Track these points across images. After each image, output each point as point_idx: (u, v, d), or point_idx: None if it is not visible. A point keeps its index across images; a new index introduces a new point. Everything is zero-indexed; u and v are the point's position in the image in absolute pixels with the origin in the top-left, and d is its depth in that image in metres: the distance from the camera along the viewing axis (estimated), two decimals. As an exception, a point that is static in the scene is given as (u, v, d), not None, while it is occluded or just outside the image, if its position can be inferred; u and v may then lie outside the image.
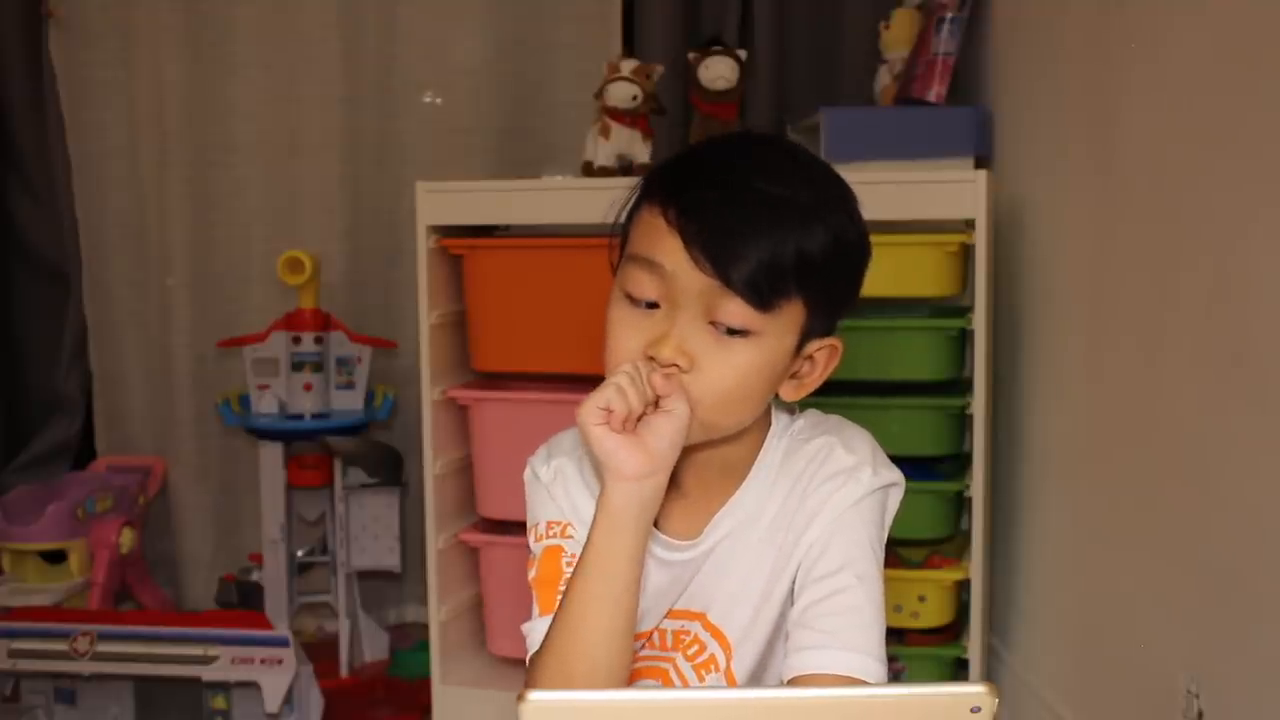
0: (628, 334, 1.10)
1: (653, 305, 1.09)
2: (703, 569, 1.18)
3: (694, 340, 1.08)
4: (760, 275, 1.06)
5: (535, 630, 1.14)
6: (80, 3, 3.00)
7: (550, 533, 1.18)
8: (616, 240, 1.18)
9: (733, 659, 1.18)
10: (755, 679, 1.19)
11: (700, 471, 1.18)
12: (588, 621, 1.07)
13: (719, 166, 1.12)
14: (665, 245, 1.08)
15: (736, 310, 1.07)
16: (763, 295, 1.07)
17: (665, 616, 1.20)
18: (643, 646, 1.22)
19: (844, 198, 1.15)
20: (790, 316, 1.09)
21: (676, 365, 1.07)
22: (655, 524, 1.18)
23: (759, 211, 1.07)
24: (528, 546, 1.21)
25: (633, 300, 1.10)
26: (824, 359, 1.16)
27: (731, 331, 1.08)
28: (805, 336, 1.12)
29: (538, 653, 1.10)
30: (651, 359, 1.08)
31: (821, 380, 1.17)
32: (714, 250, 1.06)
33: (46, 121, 3.02)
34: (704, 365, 1.08)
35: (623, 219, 1.17)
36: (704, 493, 1.18)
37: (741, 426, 1.15)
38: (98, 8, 3.00)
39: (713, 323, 1.08)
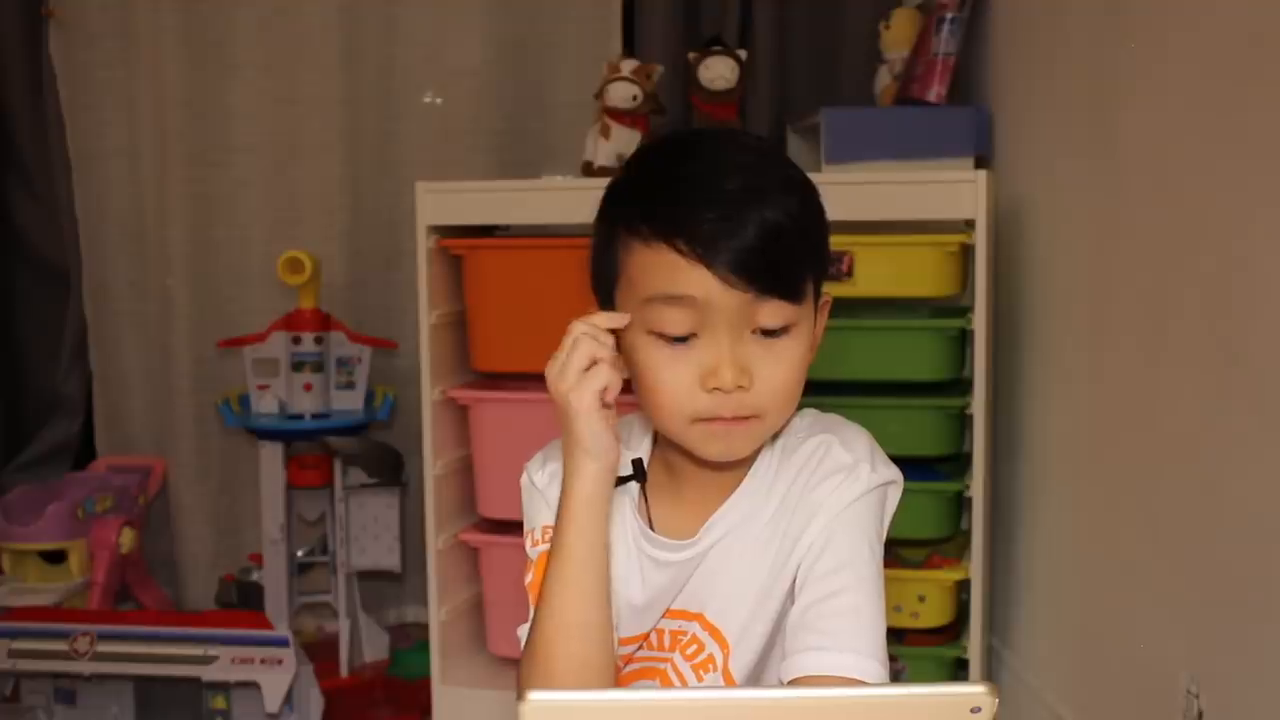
0: (674, 371, 1.09)
1: (683, 338, 1.09)
2: (700, 569, 1.18)
3: (746, 356, 1.08)
4: (787, 273, 1.08)
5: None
6: (80, 3, 3.00)
7: (546, 538, 1.18)
8: (591, 258, 1.17)
9: (731, 658, 1.18)
10: (754, 678, 1.18)
11: (697, 471, 1.18)
12: (567, 612, 1.08)
13: (695, 179, 1.10)
14: (689, 278, 1.06)
15: (776, 311, 1.08)
16: (793, 289, 1.08)
17: (663, 616, 1.20)
18: (640, 647, 1.22)
19: (790, 160, 1.18)
20: (810, 295, 1.12)
21: (741, 387, 1.08)
22: (650, 525, 1.19)
23: (758, 211, 1.07)
24: (524, 551, 1.21)
25: (663, 338, 1.09)
26: (821, 317, 1.18)
27: (770, 332, 1.09)
28: (814, 305, 1.15)
29: (524, 648, 1.11)
30: (716, 389, 1.07)
31: (821, 338, 1.18)
32: (744, 268, 1.06)
33: (46, 121, 3.02)
34: (762, 376, 1.09)
35: (595, 230, 1.16)
36: (700, 493, 1.18)
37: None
38: (98, 8, 3.00)
39: (753, 331, 1.08)
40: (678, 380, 1.09)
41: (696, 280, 1.06)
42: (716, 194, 1.08)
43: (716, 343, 1.08)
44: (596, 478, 1.09)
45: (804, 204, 1.11)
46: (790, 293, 1.08)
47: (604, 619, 1.09)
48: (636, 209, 1.10)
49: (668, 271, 1.07)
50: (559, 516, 1.10)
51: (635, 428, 1.24)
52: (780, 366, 1.09)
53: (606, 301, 1.16)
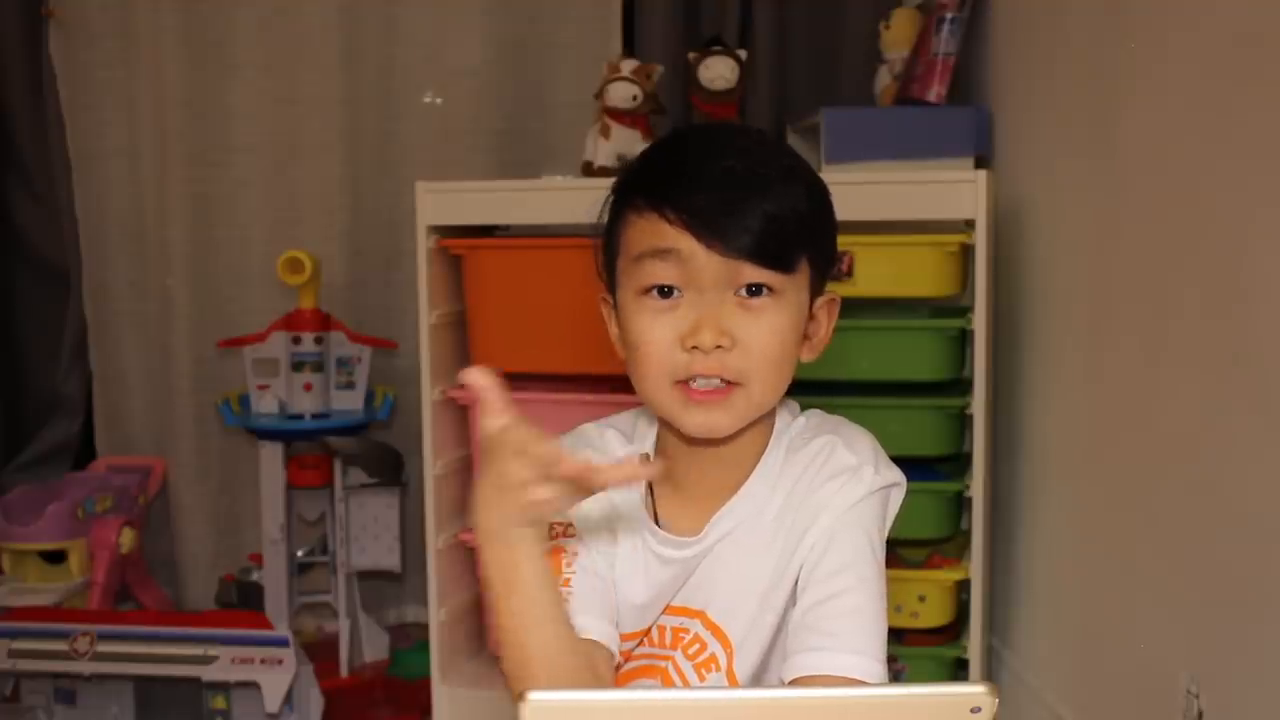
0: (658, 329, 1.11)
1: (666, 293, 1.10)
2: (702, 565, 1.18)
3: (728, 318, 1.09)
4: (772, 240, 1.09)
5: None
6: (80, 3, 3.00)
7: (552, 533, 1.18)
8: (599, 248, 1.20)
9: (734, 658, 1.18)
10: (757, 679, 1.18)
11: (703, 468, 1.18)
12: (532, 641, 1.04)
13: (694, 159, 1.14)
14: (675, 237, 1.09)
15: (759, 274, 1.10)
16: (779, 258, 1.10)
17: (663, 612, 1.20)
18: (640, 644, 1.22)
19: (802, 159, 1.20)
20: (802, 274, 1.13)
21: (720, 347, 1.09)
22: (656, 521, 1.19)
23: (752, 186, 1.10)
24: None
25: (649, 292, 1.11)
26: (826, 315, 1.19)
27: (754, 294, 1.10)
28: (812, 295, 1.15)
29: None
30: (695, 348, 1.09)
31: (828, 337, 1.19)
32: (726, 234, 1.08)
33: (46, 121, 3.02)
34: (743, 339, 1.10)
35: (603, 221, 1.19)
36: (704, 490, 1.19)
37: (778, 399, 1.16)
38: (98, 8, 3.00)
39: (737, 293, 1.10)
40: (660, 338, 1.10)
41: (681, 239, 1.09)
42: (714, 175, 1.11)
43: (699, 303, 1.10)
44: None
45: (808, 192, 1.14)
46: (775, 262, 1.10)
47: (568, 640, 1.06)
48: (636, 186, 1.14)
49: (656, 233, 1.11)
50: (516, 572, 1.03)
51: (640, 423, 1.24)
52: (762, 331, 1.10)
53: (610, 286, 1.18)
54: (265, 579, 2.79)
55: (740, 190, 1.09)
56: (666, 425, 1.18)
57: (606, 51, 2.82)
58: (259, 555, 2.82)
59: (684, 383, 1.11)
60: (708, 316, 1.09)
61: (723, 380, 1.11)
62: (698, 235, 1.08)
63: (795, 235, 1.11)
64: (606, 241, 1.18)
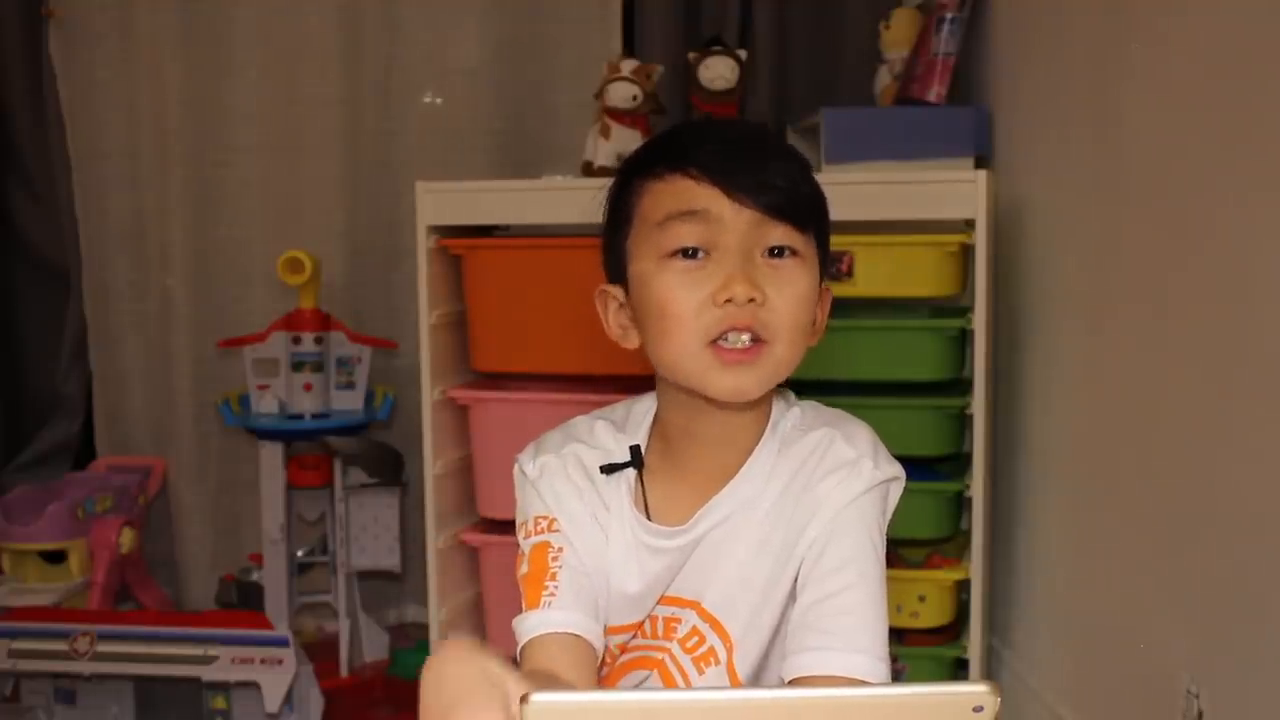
0: (687, 289, 1.11)
1: (692, 255, 1.11)
2: (694, 555, 1.18)
3: (758, 274, 1.10)
4: (795, 198, 1.12)
5: (524, 624, 1.14)
6: (80, 3, 3.00)
7: (538, 528, 1.18)
8: (604, 226, 1.20)
9: (735, 654, 1.18)
10: (758, 677, 1.18)
11: (697, 453, 1.18)
12: None
13: (710, 130, 1.19)
14: (702, 196, 1.11)
15: (784, 233, 1.12)
16: (801, 215, 1.12)
17: (658, 603, 1.20)
18: (634, 636, 1.21)
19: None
20: (814, 247, 1.15)
21: (753, 300, 1.09)
22: (647, 513, 1.19)
23: (770, 152, 1.14)
24: (518, 544, 1.21)
25: (674, 255, 1.11)
26: (821, 306, 1.19)
27: (779, 255, 1.12)
28: (819, 259, 1.17)
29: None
30: (728, 302, 1.09)
31: (823, 328, 1.20)
32: (754, 185, 1.10)
33: (46, 121, 3.02)
34: (772, 297, 1.11)
35: (607, 204, 1.20)
36: (696, 478, 1.18)
37: (794, 368, 1.16)
38: (98, 8, 3.00)
39: (763, 254, 1.11)
40: (691, 298, 1.10)
41: (708, 197, 1.11)
42: (732, 137, 1.15)
43: (728, 262, 1.10)
44: None
45: (811, 172, 1.17)
46: (798, 218, 1.12)
47: None
48: (653, 156, 1.16)
49: (682, 194, 1.12)
50: None
51: (635, 410, 1.24)
52: (788, 292, 1.11)
53: (616, 270, 1.18)
54: (265, 579, 2.79)
55: (760, 151, 1.13)
56: (671, 400, 1.18)
57: (606, 51, 2.82)
58: (259, 555, 2.82)
59: (715, 344, 1.10)
60: (739, 272, 1.09)
61: (753, 337, 1.10)
62: (725, 188, 1.10)
63: (810, 199, 1.14)
64: (614, 224, 1.18)
